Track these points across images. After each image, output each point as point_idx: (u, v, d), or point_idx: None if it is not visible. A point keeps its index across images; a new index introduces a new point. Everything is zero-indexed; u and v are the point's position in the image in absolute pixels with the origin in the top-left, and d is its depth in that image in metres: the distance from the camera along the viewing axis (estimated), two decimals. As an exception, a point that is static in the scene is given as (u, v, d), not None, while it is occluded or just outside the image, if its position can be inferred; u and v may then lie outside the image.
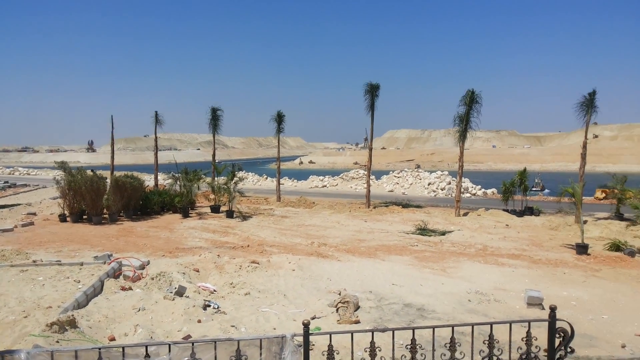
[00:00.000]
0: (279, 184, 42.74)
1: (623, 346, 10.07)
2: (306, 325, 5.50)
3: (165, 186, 37.56)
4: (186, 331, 10.29)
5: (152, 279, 14.17)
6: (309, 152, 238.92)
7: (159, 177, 43.09)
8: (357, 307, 12.38)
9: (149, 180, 43.95)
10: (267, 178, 64.93)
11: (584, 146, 30.76)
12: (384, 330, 6.42)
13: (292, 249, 20.67)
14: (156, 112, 43.46)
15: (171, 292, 12.55)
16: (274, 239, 23.40)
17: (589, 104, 30.20)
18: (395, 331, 5.94)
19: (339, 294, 13.31)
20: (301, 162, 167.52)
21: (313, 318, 11.55)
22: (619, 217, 29.64)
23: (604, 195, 42.02)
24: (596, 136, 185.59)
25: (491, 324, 6.12)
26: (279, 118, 41.95)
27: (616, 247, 20.77)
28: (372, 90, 36.99)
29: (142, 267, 16.29)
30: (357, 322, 11.37)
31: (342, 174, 60.94)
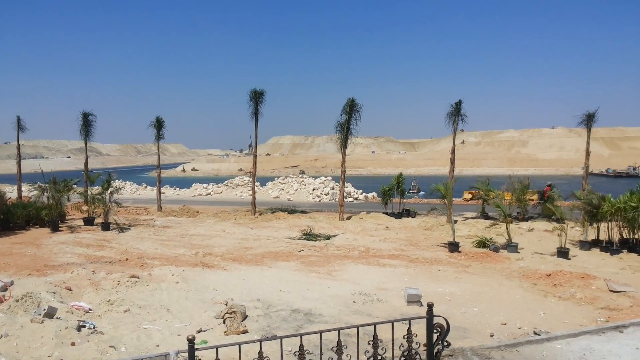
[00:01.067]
0: (159, 192, 41.04)
1: (492, 335, 10.98)
2: (191, 341, 5.29)
3: (30, 198, 34.28)
4: (58, 356, 9.43)
5: (17, 301, 12.80)
6: (191, 159, 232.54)
7: (23, 188, 39.26)
8: (245, 317, 12.20)
9: (11, 192, 39.98)
10: (146, 187, 62.13)
11: (453, 151, 33.27)
12: (272, 339, 6.38)
13: (176, 261, 19.89)
14: (18, 117, 39.68)
15: (39, 315, 11.43)
16: (156, 251, 22.37)
17: (456, 113, 32.74)
18: (283, 339, 5.92)
19: (226, 305, 13.04)
20: (184, 170, 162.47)
21: (199, 331, 11.18)
22: (485, 216, 32.46)
23: (471, 196, 45.81)
24: (463, 142, 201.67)
25: (375, 325, 6.34)
26: (159, 124, 40.33)
27: (483, 244, 22.68)
28: (257, 97, 36.94)
29: (5, 288, 14.67)
30: (245, 331, 11.20)
31: (226, 181, 60.10)
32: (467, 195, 47.24)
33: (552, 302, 14.00)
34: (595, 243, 23.35)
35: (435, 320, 6.81)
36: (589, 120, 32.83)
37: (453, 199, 33.00)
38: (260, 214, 35.89)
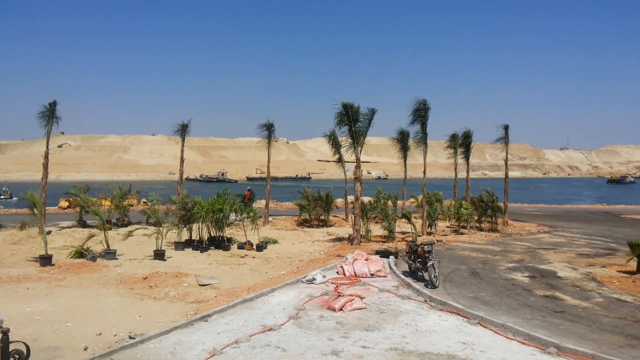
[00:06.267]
0: None
1: (85, 349, 10.54)
2: None
3: None
4: None
5: None
6: None
7: None
8: None
9: None
10: None
11: (46, 156, 30.57)
12: None
13: None
14: None
15: None
16: None
17: (50, 114, 30.22)
18: None
19: None
20: None
21: None
22: (83, 224, 31.07)
23: (67, 204, 43.15)
24: (60, 146, 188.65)
25: None
26: None
27: (80, 254, 21.60)
28: None
29: None
30: None
31: None
32: (64, 203, 44.33)
33: (148, 304, 14.53)
34: (189, 243, 25.54)
35: (13, 346, 6.09)
36: (183, 130, 35.63)
37: (49, 207, 30.33)
38: None
